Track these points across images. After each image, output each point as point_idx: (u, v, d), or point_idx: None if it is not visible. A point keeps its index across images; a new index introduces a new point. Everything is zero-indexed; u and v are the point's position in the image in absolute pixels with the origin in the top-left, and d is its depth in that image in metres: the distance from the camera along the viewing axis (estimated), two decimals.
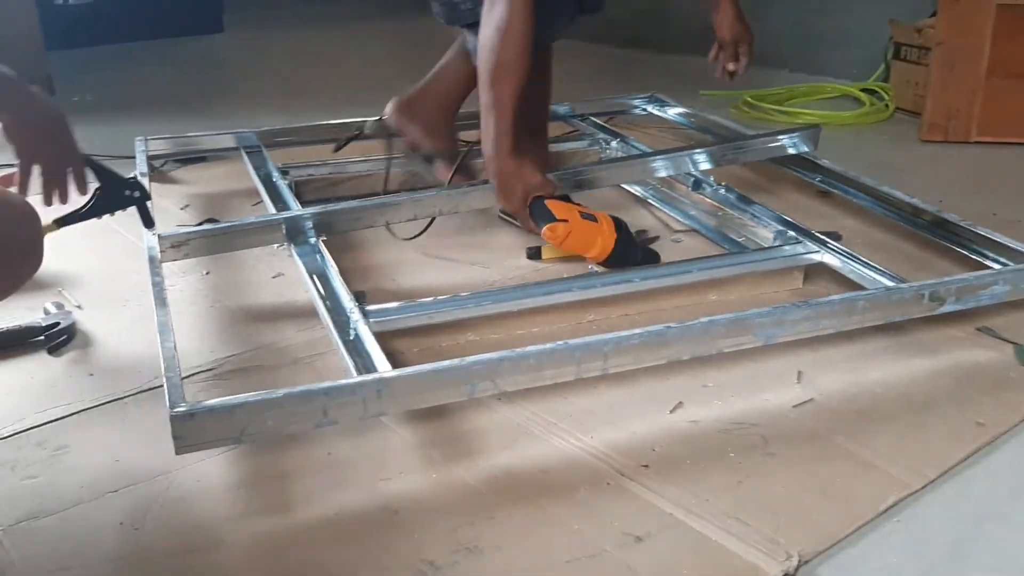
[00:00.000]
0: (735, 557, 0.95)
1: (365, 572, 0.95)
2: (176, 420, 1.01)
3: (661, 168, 1.84)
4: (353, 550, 0.98)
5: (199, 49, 4.05)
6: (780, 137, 1.95)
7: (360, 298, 1.37)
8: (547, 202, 1.55)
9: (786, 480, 1.07)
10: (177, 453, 1.03)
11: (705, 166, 1.85)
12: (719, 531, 0.99)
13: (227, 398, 1.03)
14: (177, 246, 1.52)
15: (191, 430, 1.01)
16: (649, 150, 2.06)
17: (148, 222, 1.45)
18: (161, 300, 1.31)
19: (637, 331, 1.18)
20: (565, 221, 1.53)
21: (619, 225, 1.55)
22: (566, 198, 1.76)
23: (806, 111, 2.71)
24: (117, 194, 1.40)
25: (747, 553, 0.95)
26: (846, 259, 1.53)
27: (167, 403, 1.03)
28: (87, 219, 1.39)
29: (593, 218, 1.55)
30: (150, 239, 1.49)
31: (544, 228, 1.54)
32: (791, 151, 1.95)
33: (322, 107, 2.71)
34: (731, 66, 1.90)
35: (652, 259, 1.62)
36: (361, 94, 3.10)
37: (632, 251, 1.57)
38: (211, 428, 1.02)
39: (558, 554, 0.96)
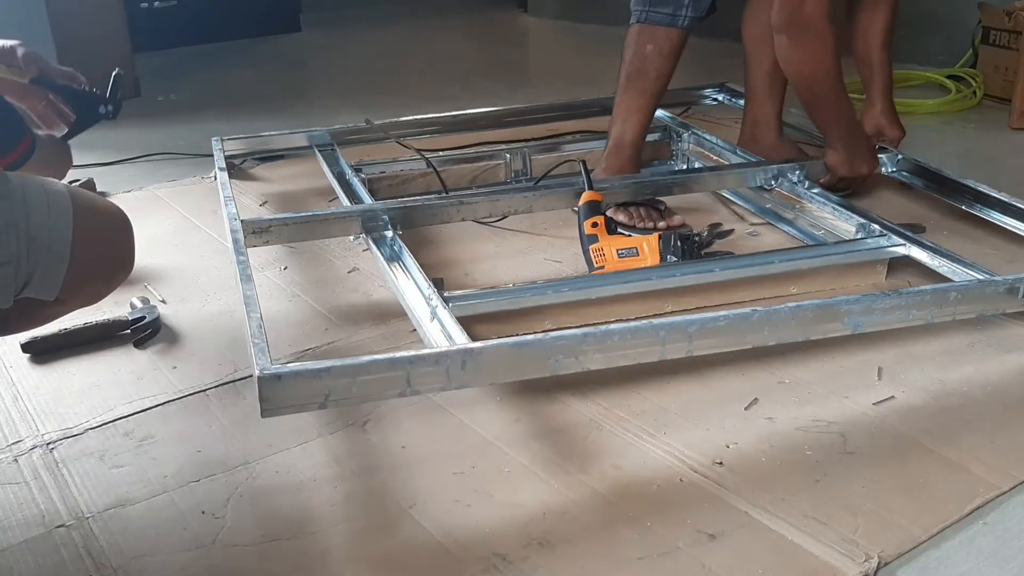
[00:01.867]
0: (812, 557, 0.93)
1: (437, 565, 0.96)
2: (264, 382, 1.00)
3: (736, 181, 1.82)
4: (425, 542, 0.99)
5: (278, 49, 4.13)
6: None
7: (439, 285, 1.38)
8: (590, 247, 1.55)
9: (866, 479, 1.04)
10: (263, 416, 1.01)
11: (786, 180, 1.81)
12: (795, 530, 0.97)
13: (313, 362, 1.02)
14: (258, 232, 1.55)
15: (278, 392, 1.00)
16: (721, 143, 2.03)
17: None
18: (246, 276, 1.31)
19: (723, 313, 1.15)
20: (601, 268, 1.52)
21: (667, 246, 1.51)
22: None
23: None
24: (92, 115, 1.49)
25: (824, 553, 0.93)
26: (931, 252, 1.48)
27: (254, 366, 1.01)
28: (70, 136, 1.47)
29: (635, 251, 1.53)
30: (234, 224, 1.52)
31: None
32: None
33: (401, 104, 2.73)
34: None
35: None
36: (438, 89, 3.13)
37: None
38: (297, 391, 1.01)
39: (630, 551, 0.96)
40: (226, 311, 1.53)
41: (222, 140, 2.14)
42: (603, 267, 1.52)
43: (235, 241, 1.46)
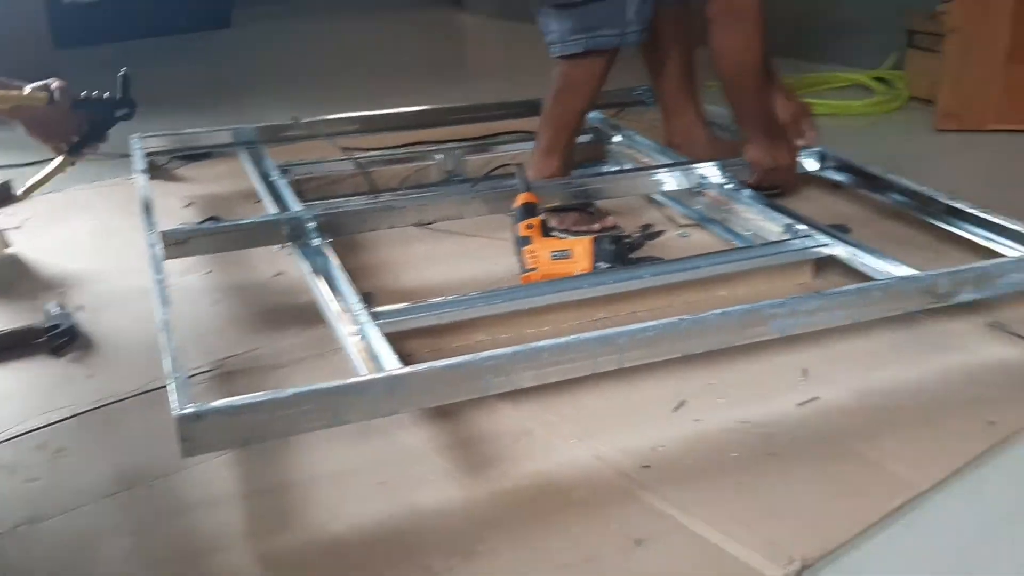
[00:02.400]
0: (736, 561, 0.93)
1: None
2: (183, 421, 0.98)
3: (669, 182, 1.82)
4: (350, 554, 0.97)
5: (208, 45, 4.05)
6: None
7: (368, 299, 1.36)
8: (523, 249, 1.54)
9: (790, 481, 1.05)
10: (184, 456, 1.01)
11: (717, 179, 1.82)
12: (720, 534, 0.97)
13: (234, 399, 1.01)
14: (179, 243, 1.51)
15: (198, 432, 0.99)
16: (653, 144, 2.03)
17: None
18: (164, 299, 1.29)
19: (652, 324, 1.17)
20: (533, 269, 1.51)
21: (599, 249, 1.51)
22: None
23: (816, 101, 2.66)
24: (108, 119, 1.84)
25: (748, 557, 0.93)
26: (856, 251, 1.51)
27: (174, 404, 1.00)
28: (93, 143, 1.84)
29: (567, 253, 1.52)
30: (152, 237, 1.48)
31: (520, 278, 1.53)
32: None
33: (334, 102, 2.69)
34: (799, 142, 1.92)
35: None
36: (373, 87, 3.10)
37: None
38: (219, 430, 1.00)
39: (556, 558, 0.94)
40: (146, 316, 1.47)
41: (142, 138, 2.08)
42: (535, 269, 1.51)
43: (152, 257, 1.42)
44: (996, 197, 1.88)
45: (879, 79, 2.84)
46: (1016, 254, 1.45)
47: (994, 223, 1.55)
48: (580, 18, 1.72)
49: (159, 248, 1.45)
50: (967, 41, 2.38)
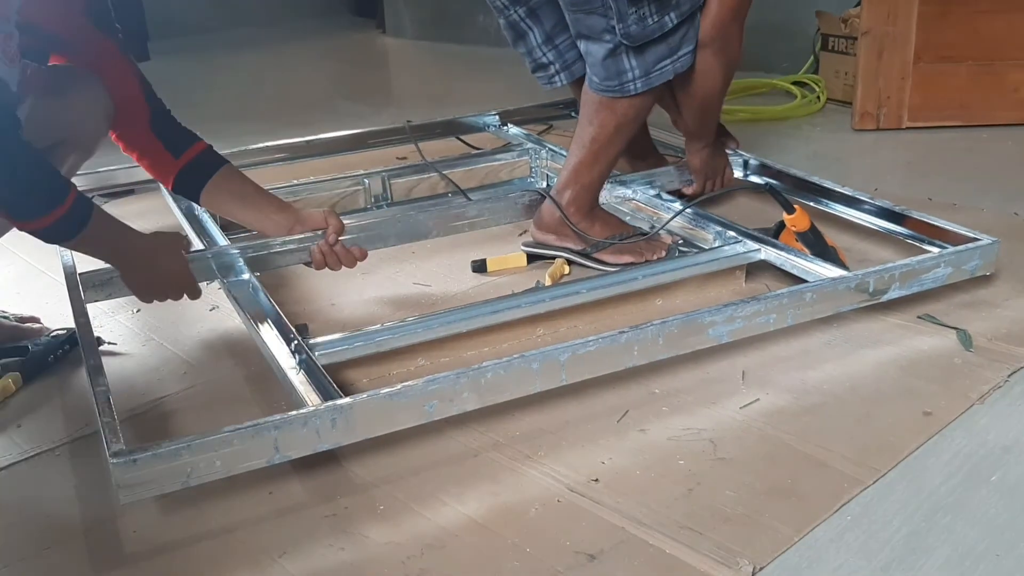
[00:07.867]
0: (690, 569, 0.93)
1: None
2: (118, 468, 0.97)
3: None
4: None
5: None
6: None
7: (303, 331, 1.33)
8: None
9: (737, 484, 1.06)
10: (122, 502, 0.99)
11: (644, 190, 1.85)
12: (672, 542, 0.97)
13: (171, 440, 1.00)
14: (99, 286, 1.46)
15: (135, 477, 0.98)
16: None
17: None
18: (88, 342, 1.26)
19: (593, 338, 1.18)
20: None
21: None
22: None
23: (738, 107, 2.72)
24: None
25: (701, 563, 0.94)
26: (786, 254, 1.53)
27: (106, 451, 0.99)
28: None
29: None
30: (70, 280, 1.43)
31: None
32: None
33: (259, 130, 2.65)
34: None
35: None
36: (298, 115, 3.06)
37: None
38: (156, 473, 0.99)
39: None
40: (75, 360, 1.44)
41: None
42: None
43: (73, 299, 1.37)
44: (915, 193, 1.94)
45: (798, 83, 2.90)
46: (938, 249, 1.49)
47: (916, 220, 1.59)
48: (665, 45, 1.60)
49: (80, 291, 1.41)
50: (878, 43, 2.45)
